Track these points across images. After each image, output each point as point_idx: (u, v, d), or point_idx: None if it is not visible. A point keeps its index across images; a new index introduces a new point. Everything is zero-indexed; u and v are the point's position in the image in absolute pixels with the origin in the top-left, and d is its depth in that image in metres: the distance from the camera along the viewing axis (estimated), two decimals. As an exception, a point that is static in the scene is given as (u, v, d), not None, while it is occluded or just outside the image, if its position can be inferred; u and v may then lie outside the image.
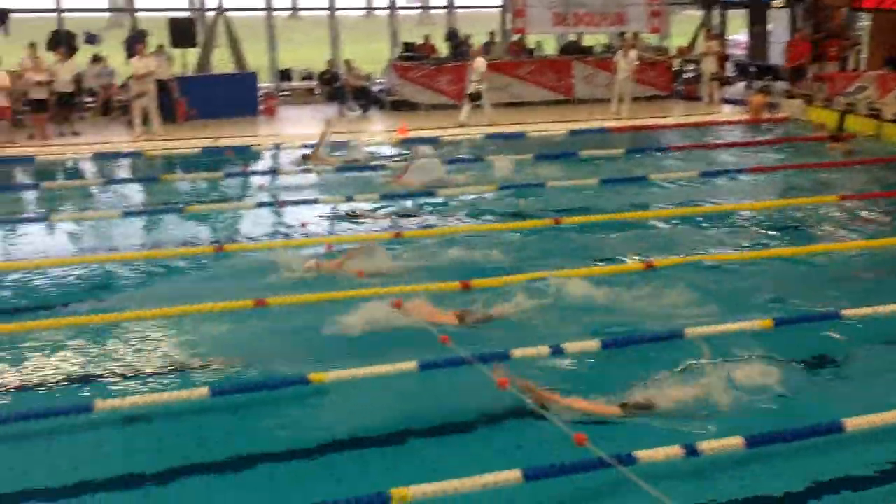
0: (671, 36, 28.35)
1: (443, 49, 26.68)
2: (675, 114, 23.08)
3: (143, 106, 19.93)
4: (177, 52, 23.19)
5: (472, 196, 13.98)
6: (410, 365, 7.24)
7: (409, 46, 26.10)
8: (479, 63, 21.39)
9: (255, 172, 15.81)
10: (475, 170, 15.76)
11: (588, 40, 27.29)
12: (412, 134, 19.58)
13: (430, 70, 23.77)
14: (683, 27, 30.04)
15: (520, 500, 5.60)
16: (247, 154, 17.70)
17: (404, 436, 6.43)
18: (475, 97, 21.33)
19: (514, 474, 5.56)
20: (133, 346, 8.11)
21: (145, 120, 20.02)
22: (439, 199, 13.76)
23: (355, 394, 6.97)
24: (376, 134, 20.43)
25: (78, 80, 21.32)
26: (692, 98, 25.17)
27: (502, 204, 13.55)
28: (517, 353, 7.43)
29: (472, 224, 12.42)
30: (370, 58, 30.05)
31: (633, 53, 22.58)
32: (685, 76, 26.54)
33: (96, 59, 22.96)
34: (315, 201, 13.52)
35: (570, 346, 7.60)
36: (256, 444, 6.36)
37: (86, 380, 7.44)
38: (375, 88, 25.38)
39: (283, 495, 5.79)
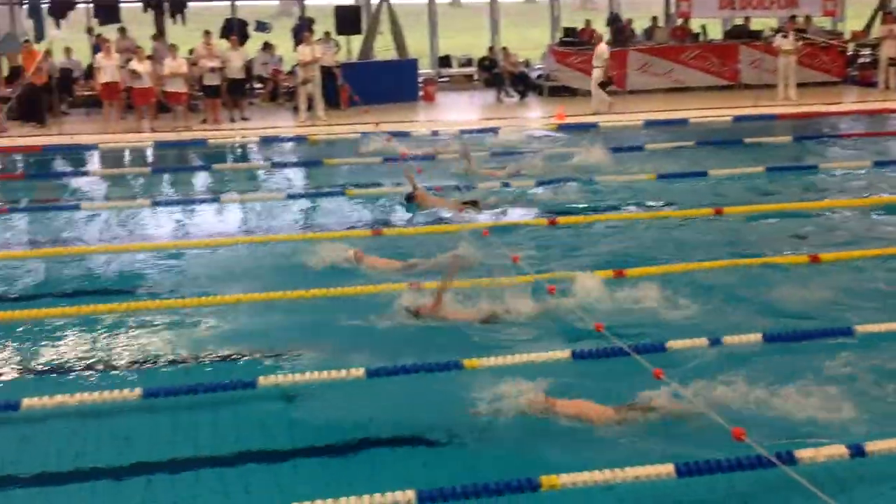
0: (846, 19, 26.97)
1: (604, 34, 26.29)
2: (847, 100, 21.97)
3: (308, 92, 20.56)
4: (342, 39, 23.79)
5: (629, 184, 13.75)
6: (564, 353, 7.21)
7: (569, 32, 25.86)
8: (602, 49, 21.00)
9: (413, 158, 16.03)
10: (632, 158, 15.48)
11: (756, 24, 26.28)
12: (569, 120, 19.42)
13: (589, 55, 23.43)
14: (859, 9, 28.48)
15: (675, 494, 5.48)
16: (406, 140, 17.98)
17: (553, 423, 6.38)
18: (605, 84, 20.97)
19: (666, 469, 5.45)
20: (304, 320, 8.37)
21: (310, 106, 20.64)
22: (597, 187, 13.61)
23: (505, 379, 6.96)
24: (533, 120, 20.37)
25: (248, 66, 22.18)
26: (867, 84, 23.86)
27: (661, 193, 13.26)
28: (674, 344, 7.28)
29: (627, 213, 12.21)
30: (529, 43, 29.95)
31: (792, 35, 21.67)
32: (860, 61, 25.20)
33: (266, 46, 23.82)
34: (469, 188, 13.60)
35: (729, 340, 7.38)
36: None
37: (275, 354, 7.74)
38: (534, 74, 25.28)
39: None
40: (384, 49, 25.15)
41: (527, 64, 25.52)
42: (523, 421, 6.28)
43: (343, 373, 7.01)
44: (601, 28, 26.45)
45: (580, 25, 26.31)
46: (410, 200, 12.49)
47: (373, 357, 7.36)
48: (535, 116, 21.09)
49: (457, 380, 6.90)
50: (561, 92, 23.54)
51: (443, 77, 26.49)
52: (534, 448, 6.10)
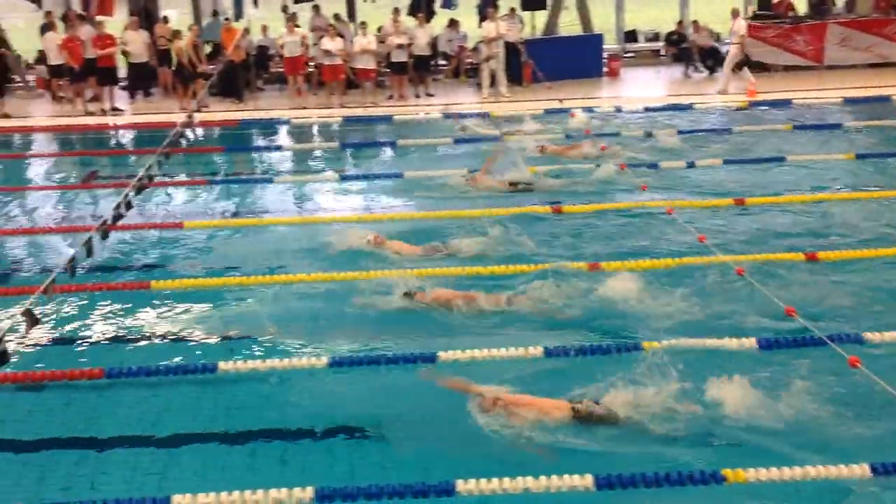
0: None
1: (801, 7, 25.01)
2: None
3: (491, 68, 20.63)
4: (527, 14, 23.70)
5: (824, 164, 13.08)
6: (750, 342, 6.96)
7: (764, 4, 24.74)
8: (739, 25, 19.88)
9: (597, 135, 15.79)
10: (827, 137, 14.72)
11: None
12: (760, 97, 18.65)
13: (785, 29, 22.34)
14: None
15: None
16: (589, 116, 17.76)
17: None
18: (743, 63, 19.90)
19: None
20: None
21: (493, 82, 20.70)
22: (785, 167, 13.05)
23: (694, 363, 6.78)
24: (722, 96, 19.67)
25: (434, 43, 22.47)
26: None
27: (859, 173, 12.54)
28: (873, 336, 6.90)
29: (821, 194, 11.62)
30: (721, 17, 28.84)
31: None
32: None
33: (451, 23, 24.04)
34: (655, 165, 13.29)
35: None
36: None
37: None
38: (724, 49, 24.35)
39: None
40: (569, 24, 24.88)
41: (717, 38, 24.62)
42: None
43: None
44: (798, 0, 25.20)
45: (776, -2, 25.13)
46: (467, 181, 12.48)
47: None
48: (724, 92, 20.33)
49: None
50: (752, 67, 22.57)
51: (628, 52, 25.95)
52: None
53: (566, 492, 5.25)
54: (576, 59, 22.67)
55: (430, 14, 23.47)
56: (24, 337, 5.37)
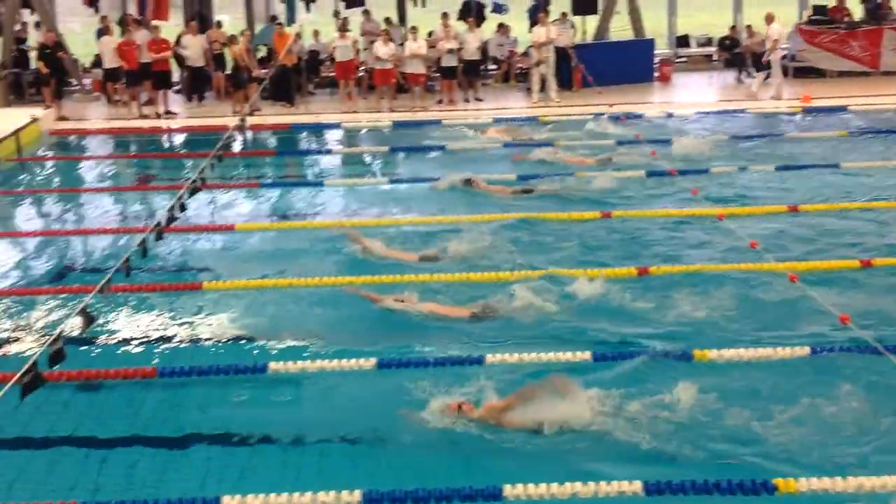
0: None
1: (857, 12, 24.60)
2: None
3: (541, 73, 20.59)
4: (577, 19, 23.61)
5: (880, 171, 12.88)
6: (803, 350, 6.88)
7: (819, 9, 24.38)
8: (773, 30, 19.58)
9: (646, 141, 15.68)
10: (883, 143, 14.48)
11: None
12: (815, 103, 18.39)
13: (840, 35, 22.01)
14: None
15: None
16: (639, 122, 17.66)
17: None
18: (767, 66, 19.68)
19: None
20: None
21: (543, 87, 20.66)
22: (840, 173, 12.86)
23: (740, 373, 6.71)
24: (775, 101, 19.42)
25: (484, 48, 22.48)
26: None
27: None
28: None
29: (875, 202, 11.44)
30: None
31: None
32: None
33: (501, 27, 24.03)
34: (706, 171, 13.18)
35: None
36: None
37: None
38: (778, 55, 24.01)
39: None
40: (620, 29, 24.73)
41: (771, 43, 24.25)
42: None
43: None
44: (854, 5, 24.78)
45: (831, 3, 24.73)
46: (468, 185, 12.74)
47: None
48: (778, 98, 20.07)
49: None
50: (807, 73, 22.29)
51: (680, 57, 25.72)
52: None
53: (614, 497, 5.23)
54: (627, 63, 22.51)
55: (480, 19, 23.48)
56: (80, 335, 5.48)
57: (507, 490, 5.32)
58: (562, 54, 21.14)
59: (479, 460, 5.92)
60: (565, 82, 21.45)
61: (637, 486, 5.26)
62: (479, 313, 8.11)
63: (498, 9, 25.13)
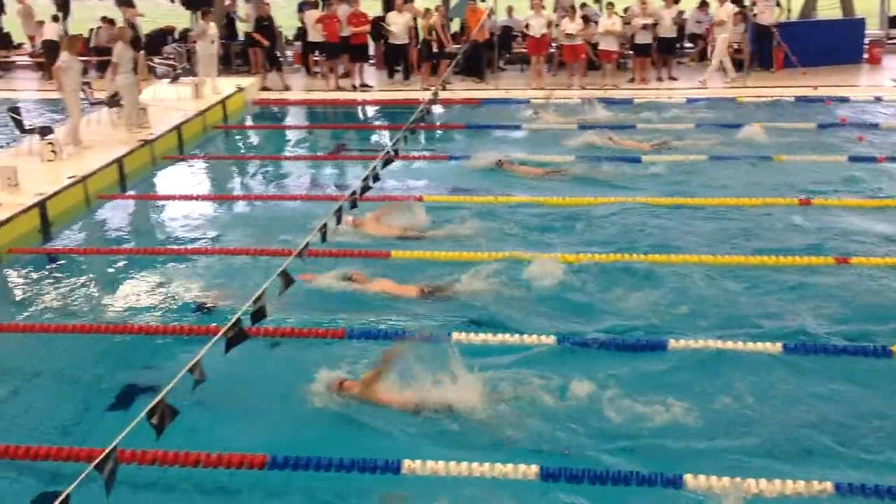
0: None
1: None
2: None
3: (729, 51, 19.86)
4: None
5: None
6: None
7: None
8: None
9: (853, 125, 14.89)
10: None
11: None
12: None
13: None
14: None
15: None
16: (846, 105, 16.78)
17: None
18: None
19: None
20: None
21: (742, 66, 19.93)
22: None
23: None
24: None
25: (680, 25, 21.87)
26: None
27: None
28: None
29: None
30: None
31: None
32: None
33: (702, 4, 23.26)
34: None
35: None
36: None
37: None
38: None
39: None
40: (828, 8, 23.49)
41: None
42: None
43: None
44: None
45: None
46: (500, 166, 13.01)
47: None
48: None
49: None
50: None
51: (892, 38, 24.16)
52: None
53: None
54: (833, 44, 21.30)
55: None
56: (279, 295, 5.80)
57: (689, 480, 5.39)
58: (763, 32, 20.31)
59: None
60: (766, 62, 20.60)
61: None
62: (428, 292, 8.37)
63: (697, -15, 24.31)
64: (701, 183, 12.22)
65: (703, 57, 22.89)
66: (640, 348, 7.21)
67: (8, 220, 10.58)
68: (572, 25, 20.02)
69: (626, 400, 6.36)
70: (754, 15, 20.17)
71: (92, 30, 22.73)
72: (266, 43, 20.74)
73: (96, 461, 3.82)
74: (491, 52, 21.62)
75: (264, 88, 20.45)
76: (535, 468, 5.55)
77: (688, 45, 23.35)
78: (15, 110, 14.10)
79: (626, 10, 21.60)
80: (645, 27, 20.09)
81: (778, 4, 22.07)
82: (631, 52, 21.13)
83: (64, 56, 13.82)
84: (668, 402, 6.34)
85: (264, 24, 20.77)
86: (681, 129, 15.47)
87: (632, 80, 20.51)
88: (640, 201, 11.16)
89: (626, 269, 8.92)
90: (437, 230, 10.33)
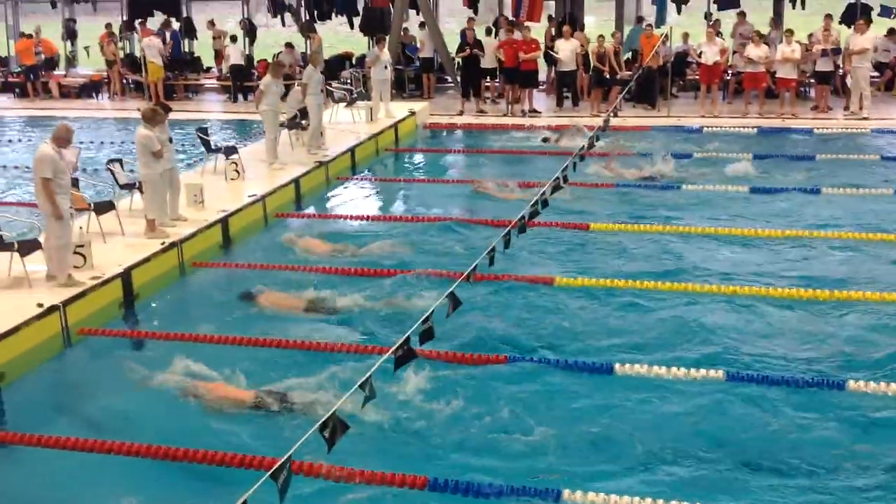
0: None
1: None
2: None
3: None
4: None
5: None
6: None
7: None
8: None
9: None
10: None
11: None
12: None
13: None
14: None
15: None
16: None
17: None
18: None
19: None
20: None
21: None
22: None
23: None
24: None
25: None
26: None
27: None
28: None
29: None
30: None
31: None
32: None
33: (890, 32, 22.15)
34: None
35: None
36: None
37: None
38: None
39: None
40: None
41: None
42: None
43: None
44: None
45: None
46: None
47: None
48: None
49: None
50: None
51: None
52: None
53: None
54: None
55: (868, 21, 21.74)
56: (446, 317, 5.91)
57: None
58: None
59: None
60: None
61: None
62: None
63: (886, 12, 23.20)
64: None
65: (889, 87, 21.81)
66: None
67: (193, 235, 11.17)
68: (756, 51, 19.41)
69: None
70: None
71: (275, 55, 23.81)
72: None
73: (272, 469, 3.98)
74: (664, 78, 21.28)
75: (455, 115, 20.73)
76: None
77: (874, 74, 22.26)
78: (203, 131, 14.93)
79: (809, 36, 20.83)
80: (824, 53, 19.28)
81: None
82: (812, 81, 20.34)
83: (266, 79, 14.64)
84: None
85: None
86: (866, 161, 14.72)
87: (814, 108, 19.73)
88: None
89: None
90: None
